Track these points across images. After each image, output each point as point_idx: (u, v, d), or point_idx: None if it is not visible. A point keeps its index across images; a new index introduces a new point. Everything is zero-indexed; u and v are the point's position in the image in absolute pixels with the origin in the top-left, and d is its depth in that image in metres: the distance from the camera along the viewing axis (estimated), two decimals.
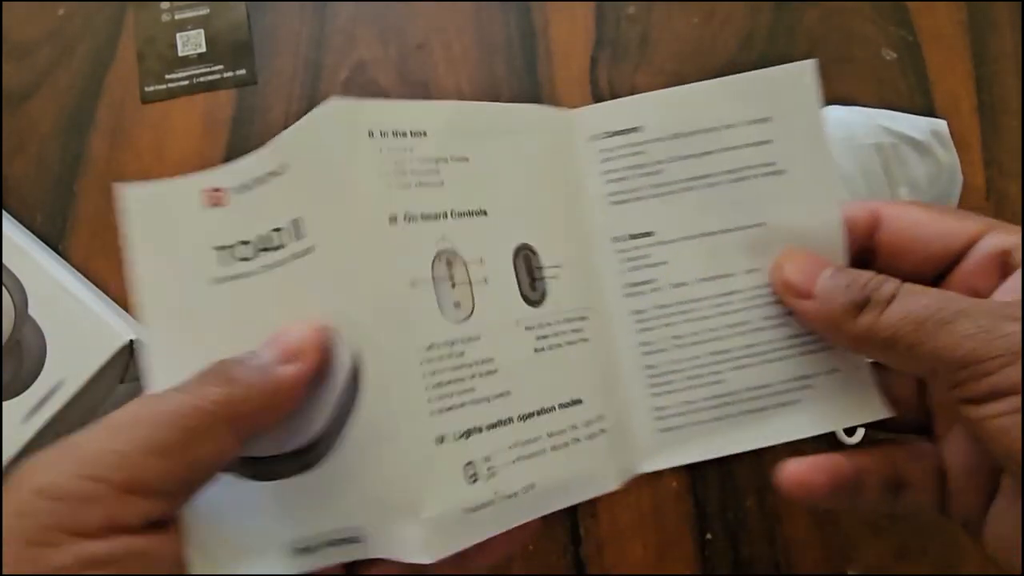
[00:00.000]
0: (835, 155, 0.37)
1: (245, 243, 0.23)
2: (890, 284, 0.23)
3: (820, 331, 0.25)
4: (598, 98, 0.44)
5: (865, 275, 0.23)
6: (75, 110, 0.44)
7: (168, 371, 0.21)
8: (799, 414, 0.25)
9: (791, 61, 0.45)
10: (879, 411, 0.25)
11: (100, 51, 0.46)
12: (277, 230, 0.22)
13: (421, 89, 0.44)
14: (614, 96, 0.44)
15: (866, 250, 0.25)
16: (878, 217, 0.25)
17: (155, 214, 0.24)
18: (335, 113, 0.21)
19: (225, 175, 0.23)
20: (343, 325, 0.21)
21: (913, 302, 0.22)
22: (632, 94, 0.44)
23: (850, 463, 0.25)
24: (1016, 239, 0.24)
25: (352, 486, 0.21)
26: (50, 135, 0.44)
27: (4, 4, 0.46)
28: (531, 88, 0.44)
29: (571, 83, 0.44)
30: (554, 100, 0.44)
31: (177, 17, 0.46)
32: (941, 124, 0.38)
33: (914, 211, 0.25)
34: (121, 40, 0.46)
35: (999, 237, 0.24)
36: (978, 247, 0.24)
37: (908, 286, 0.23)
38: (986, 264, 0.24)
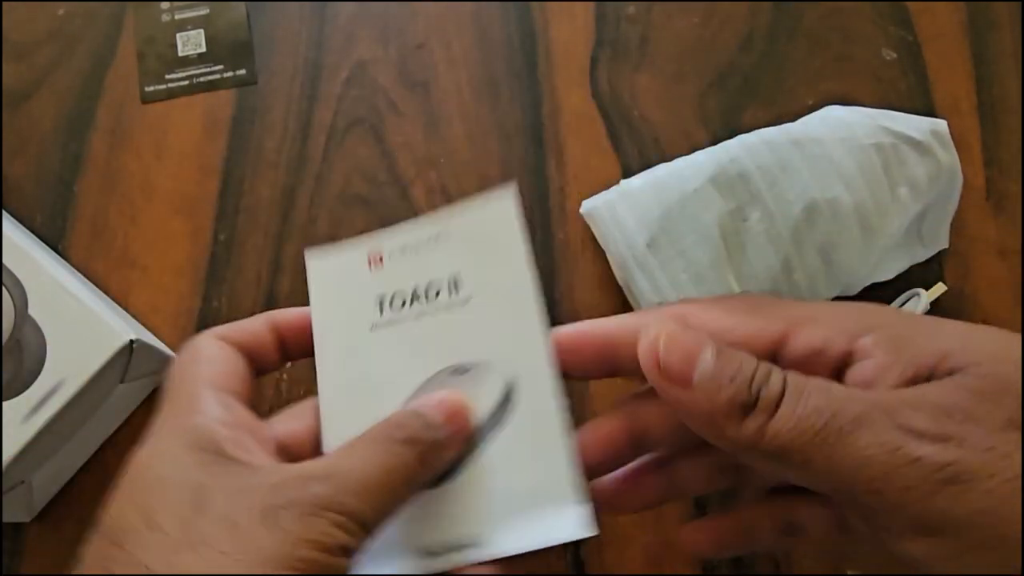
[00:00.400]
0: (836, 155, 0.37)
1: (401, 295, 0.28)
2: (776, 378, 0.20)
3: (697, 429, 0.22)
4: (598, 98, 0.44)
5: (750, 364, 0.21)
6: (75, 110, 0.44)
7: (336, 400, 0.27)
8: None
9: (791, 61, 0.45)
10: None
11: (100, 51, 0.46)
12: (430, 284, 0.28)
13: (421, 89, 0.44)
14: (614, 96, 0.44)
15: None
16: (789, 332, 0.23)
17: (330, 275, 0.28)
18: (503, 204, 0.28)
19: (388, 240, 0.28)
20: (499, 358, 0.26)
21: (803, 405, 0.20)
22: (632, 94, 0.44)
23: (737, 521, 0.26)
24: (825, 332, 0.22)
25: (484, 495, 0.25)
26: (50, 135, 0.44)
27: (4, 4, 0.46)
28: (531, 88, 0.44)
29: (571, 83, 0.44)
30: (554, 100, 0.44)
31: (177, 17, 0.46)
32: (941, 124, 0.38)
33: (715, 318, 0.24)
34: (121, 40, 0.46)
35: (806, 335, 0.22)
36: (787, 351, 0.23)
37: (796, 381, 0.20)
38: (803, 367, 0.22)
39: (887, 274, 0.38)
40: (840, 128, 0.37)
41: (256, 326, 0.27)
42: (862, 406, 0.19)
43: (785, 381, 0.20)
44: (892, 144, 0.37)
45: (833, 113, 0.39)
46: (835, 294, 0.38)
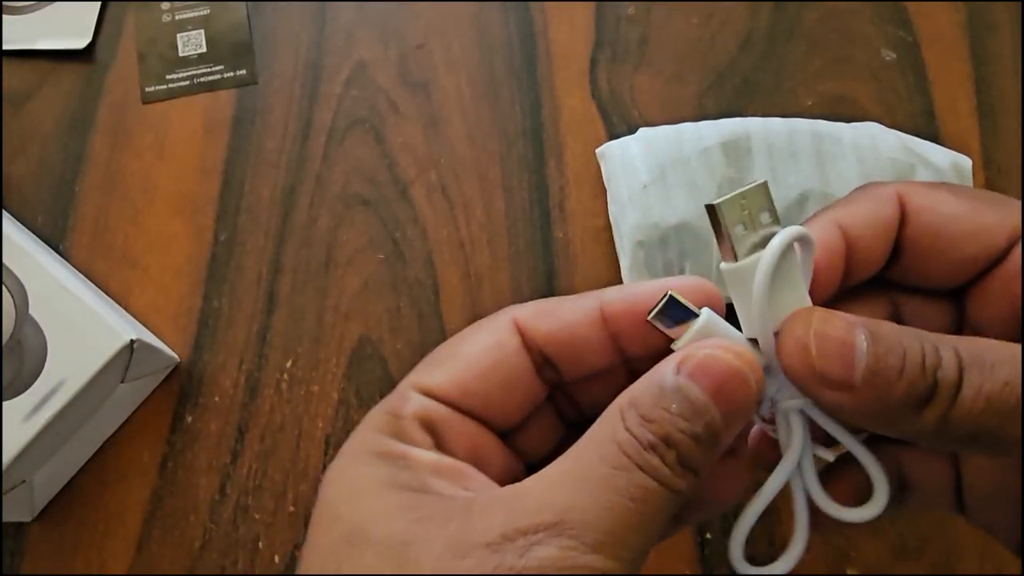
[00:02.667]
0: (849, 158, 0.37)
1: None
2: (950, 356, 0.17)
3: (864, 425, 0.19)
4: (598, 98, 0.44)
5: (915, 346, 0.17)
6: (76, 110, 0.45)
7: None
8: None
9: (790, 62, 0.45)
10: None
11: (100, 51, 0.46)
12: None
13: (421, 89, 0.45)
14: (613, 97, 0.44)
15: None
16: (904, 210, 0.21)
17: None
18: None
19: None
20: None
21: (990, 379, 0.16)
22: (632, 94, 0.44)
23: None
24: None
25: None
26: (51, 135, 0.44)
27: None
28: (531, 88, 0.44)
29: (571, 83, 0.44)
30: (554, 101, 0.44)
31: (177, 18, 0.46)
32: (966, 161, 0.38)
33: (944, 203, 0.20)
34: (122, 40, 0.46)
35: None
36: (1018, 250, 0.20)
37: (972, 351, 0.17)
38: None
39: None
40: (865, 137, 0.38)
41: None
42: None
43: (959, 356, 0.17)
44: (910, 164, 0.37)
45: (868, 126, 0.39)
46: None
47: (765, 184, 0.20)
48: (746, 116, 0.43)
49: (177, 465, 0.39)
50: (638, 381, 0.18)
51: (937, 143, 0.41)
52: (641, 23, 0.45)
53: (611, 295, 0.21)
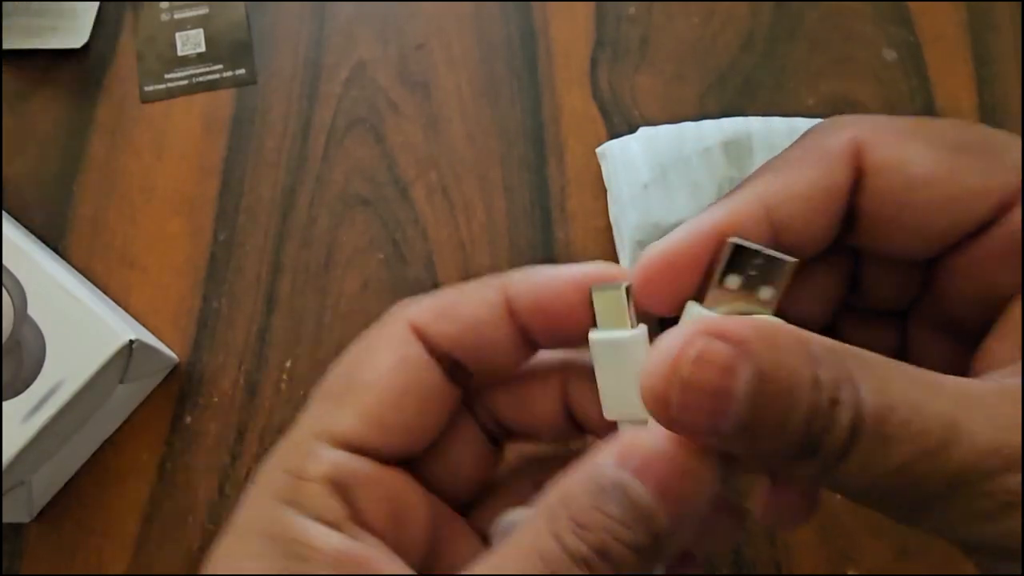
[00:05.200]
0: None
1: None
2: (844, 416, 0.14)
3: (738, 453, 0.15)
4: (599, 98, 0.44)
5: (802, 391, 0.14)
6: (74, 110, 0.44)
7: None
8: None
9: (792, 62, 0.45)
10: None
11: (99, 51, 0.46)
12: None
13: (421, 89, 0.44)
14: (614, 97, 0.44)
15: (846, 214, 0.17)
16: (861, 170, 0.17)
17: None
18: None
19: None
20: None
21: (883, 456, 0.14)
22: (632, 94, 0.44)
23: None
24: None
25: None
26: (49, 135, 0.44)
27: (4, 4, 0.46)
28: (531, 88, 0.44)
29: (571, 83, 0.44)
30: (554, 101, 0.44)
31: (176, 17, 0.46)
32: None
33: (915, 160, 0.16)
34: (120, 40, 0.46)
35: None
36: (1006, 222, 0.16)
37: (876, 411, 0.14)
38: (1013, 251, 0.16)
39: None
40: None
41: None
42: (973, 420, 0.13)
43: (859, 415, 0.13)
44: None
45: None
46: None
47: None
48: (747, 116, 0.43)
49: (176, 466, 0.39)
50: (571, 470, 0.15)
51: None
52: (642, 22, 0.45)
53: (517, 285, 0.19)
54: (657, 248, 0.18)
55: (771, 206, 0.17)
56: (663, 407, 0.14)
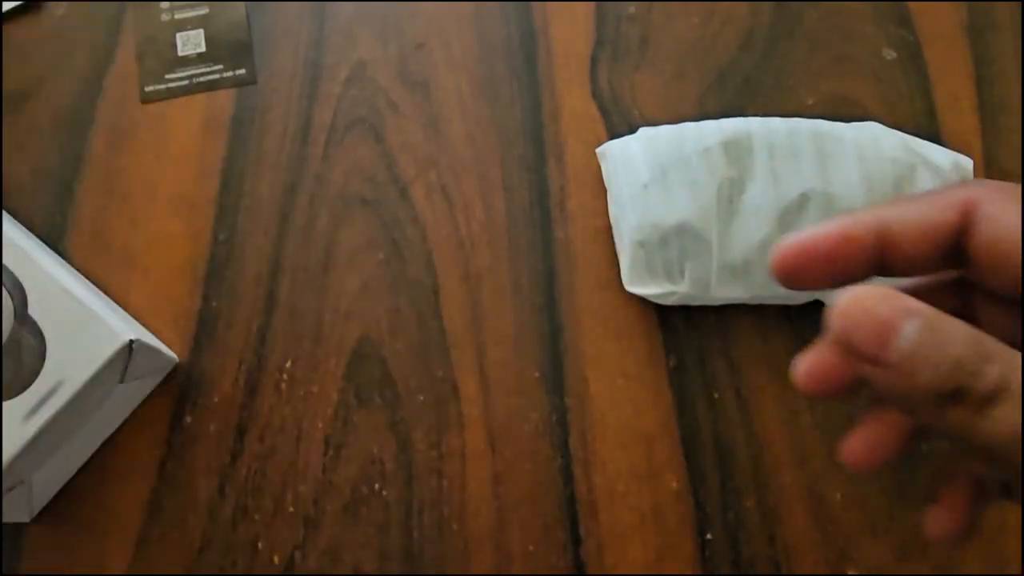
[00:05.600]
0: (851, 157, 0.37)
1: None
2: (992, 370, 0.17)
3: (895, 404, 0.20)
4: (598, 98, 0.44)
5: (958, 343, 0.17)
6: (75, 110, 0.44)
7: None
8: None
9: (791, 61, 0.45)
10: None
11: (100, 51, 0.46)
12: None
13: (421, 89, 0.44)
14: (614, 96, 0.44)
15: (958, 252, 0.21)
16: (970, 217, 0.20)
17: None
18: None
19: None
20: None
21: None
22: (632, 94, 0.44)
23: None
24: None
25: None
26: (50, 135, 0.44)
27: (4, 4, 0.46)
28: (531, 88, 0.44)
29: (571, 83, 0.44)
30: (554, 100, 0.44)
31: (177, 17, 0.46)
32: (967, 161, 0.38)
33: (1012, 213, 0.19)
34: (121, 40, 0.46)
35: None
36: None
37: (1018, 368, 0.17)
38: None
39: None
40: (866, 137, 0.38)
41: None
42: None
43: (1004, 374, 0.17)
44: (911, 164, 0.37)
45: (869, 126, 0.39)
46: None
47: None
48: (747, 115, 0.43)
49: (176, 466, 0.39)
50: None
51: (938, 142, 0.41)
52: (642, 22, 0.45)
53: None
54: (789, 239, 0.21)
55: (885, 224, 0.21)
56: (840, 319, 0.18)
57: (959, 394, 0.17)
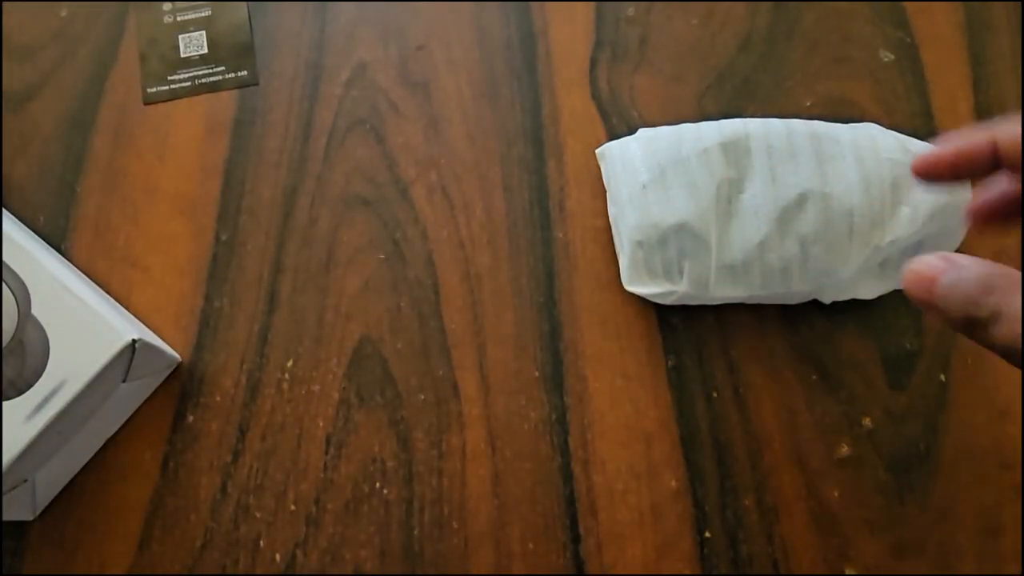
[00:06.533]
0: (849, 158, 0.37)
1: None
2: (990, 301, 0.23)
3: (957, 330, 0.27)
4: (598, 99, 0.44)
5: (970, 284, 0.24)
6: (77, 111, 0.45)
7: None
8: None
9: (789, 62, 0.45)
10: None
11: (102, 52, 0.46)
12: None
13: (421, 90, 0.45)
14: (614, 97, 0.44)
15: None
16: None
17: None
18: None
19: None
20: None
21: (1008, 331, 0.22)
22: (631, 94, 0.44)
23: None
24: None
25: None
26: (52, 136, 0.44)
27: (6, 5, 0.46)
28: (531, 88, 0.44)
29: (571, 83, 0.44)
30: (554, 101, 0.44)
31: (179, 19, 0.47)
32: None
33: None
34: (123, 41, 0.46)
35: None
36: None
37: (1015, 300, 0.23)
38: None
39: (870, 293, 0.39)
40: (864, 138, 0.38)
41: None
42: None
43: (996, 304, 0.23)
44: (908, 164, 0.37)
45: (867, 127, 0.39)
46: (808, 288, 0.38)
47: None
48: (746, 116, 0.43)
49: (178, 464, 0.39)
50: None
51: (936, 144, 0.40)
52: (641, 23, 0.46)
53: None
54: (926, 150, 0.28)
55: (994, 136, 0.27)
56: (906, 279, 0.25)
57: (971, 321, 0.23)
